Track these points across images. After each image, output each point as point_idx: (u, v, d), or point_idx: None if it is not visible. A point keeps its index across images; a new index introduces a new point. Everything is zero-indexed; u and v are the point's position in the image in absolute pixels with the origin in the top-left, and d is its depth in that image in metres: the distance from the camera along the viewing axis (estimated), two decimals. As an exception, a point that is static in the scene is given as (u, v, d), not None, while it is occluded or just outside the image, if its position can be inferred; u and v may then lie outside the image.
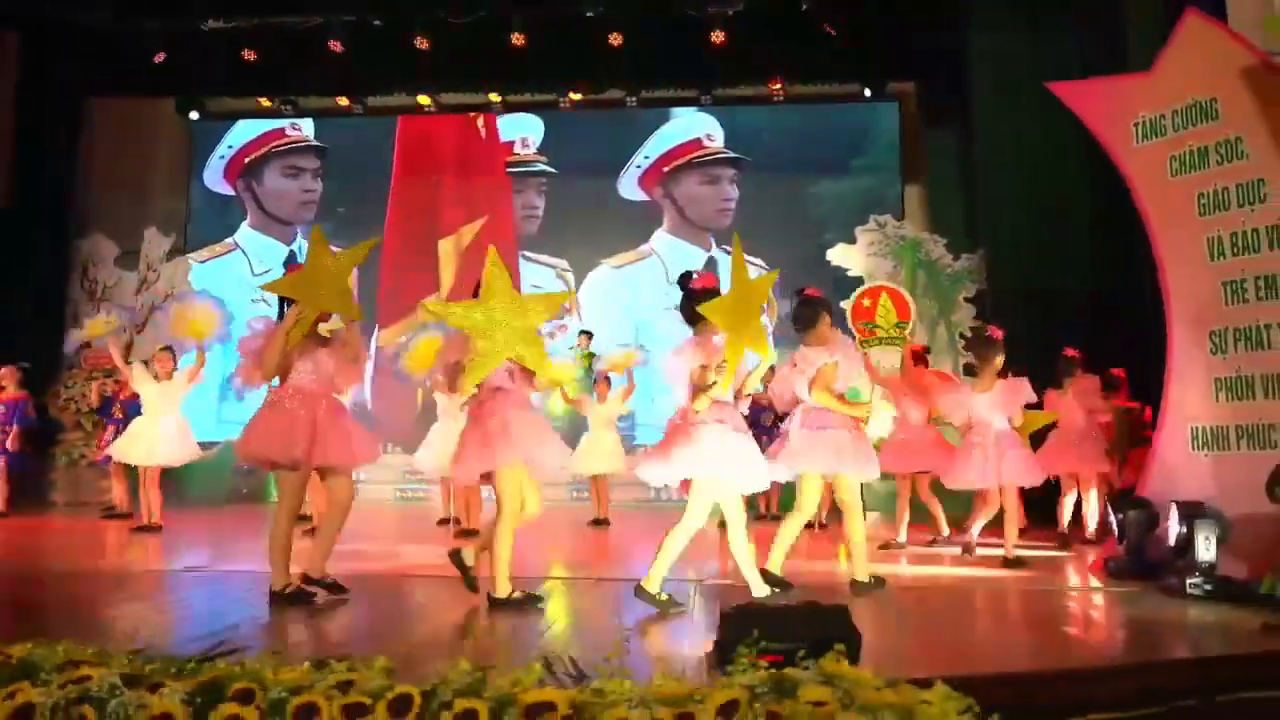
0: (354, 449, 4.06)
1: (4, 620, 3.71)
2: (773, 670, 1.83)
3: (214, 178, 12.69)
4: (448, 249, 12.33)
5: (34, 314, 10.61)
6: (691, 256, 11.93)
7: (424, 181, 12.34)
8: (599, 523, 7.84)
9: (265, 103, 12.20)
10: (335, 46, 10.40)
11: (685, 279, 4.08)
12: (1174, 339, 4.67)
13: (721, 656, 2.38)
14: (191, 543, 6.65)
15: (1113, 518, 4.68)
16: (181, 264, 11.79)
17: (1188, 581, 3.94)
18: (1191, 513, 4.05)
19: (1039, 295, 8.49)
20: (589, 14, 10.02)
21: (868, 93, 11.33)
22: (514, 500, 3.85)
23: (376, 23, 10.39)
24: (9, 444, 7.89)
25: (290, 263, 12.03)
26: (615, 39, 10.03)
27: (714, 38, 10.06)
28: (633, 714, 1.80)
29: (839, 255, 11.16)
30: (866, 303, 9.69)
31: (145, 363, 7.41)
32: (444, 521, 7.53)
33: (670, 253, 12.10)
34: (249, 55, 10.68)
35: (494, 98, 11.83)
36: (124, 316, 9.76)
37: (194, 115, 12.29)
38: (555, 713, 1.79)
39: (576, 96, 11.69)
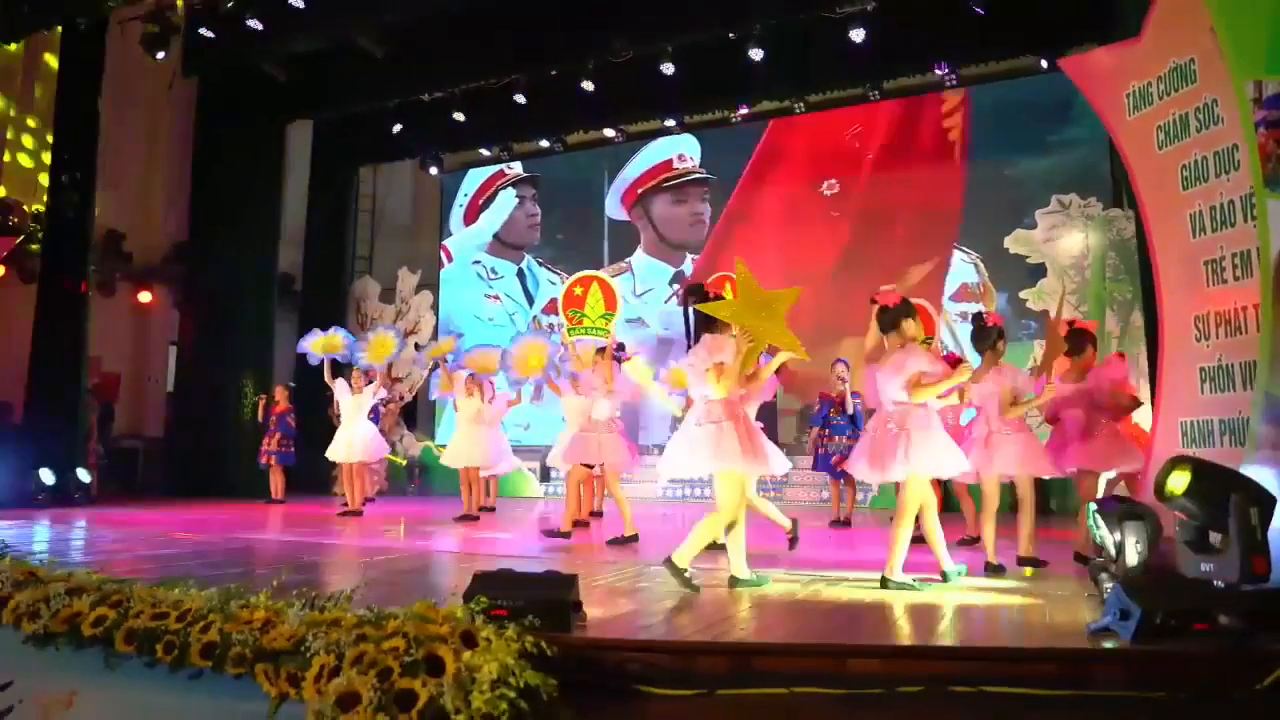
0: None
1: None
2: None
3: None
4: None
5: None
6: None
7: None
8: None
9: (485, 153, 14.20)
10: (519, 99, 11.92)
11: (694, 291, 4.60)
12: (1165, 327, 4.29)
13: (465, 602, 3.02)
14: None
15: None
16: (426, 296, 14.11)
17: (1101, 583, 3.69)
18: (1127, 513, 3.77)
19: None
20: (731, 35, 10.49)
21: (1044, 64, 10.49)
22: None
23: (553, 73, 11.71)
24: (277, 445, 10.25)
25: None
26: (755, 54, 10.38)
27: (853, 35, 10.02)
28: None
29: (1017, 242, 10.51)
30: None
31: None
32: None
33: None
34: (458, 117, 12.55)
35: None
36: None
37: (434, 170, 14.59)
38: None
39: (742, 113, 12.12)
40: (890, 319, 4.35)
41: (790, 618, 3.62)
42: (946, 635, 3.27)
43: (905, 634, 3.34)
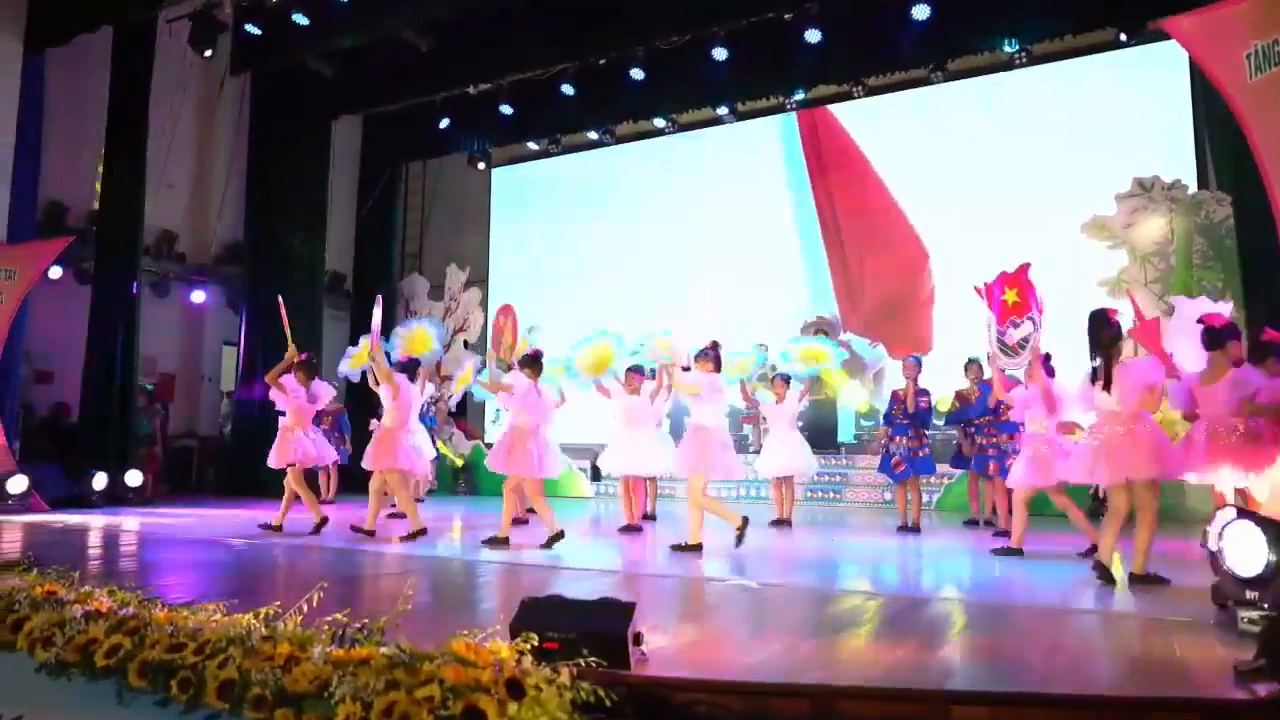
0: None
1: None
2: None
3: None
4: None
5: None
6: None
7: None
8: (780, 523, 7.93)
9: (533, 146, 13.95)
10: (567, 90, 11.63)
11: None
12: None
13: (511, 635, 2.70)
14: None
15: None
16: (475, 293, 13.93)
17: (1242, 615, 3.22)
18: None
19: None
20: (787, 16, 10.05)
21: (1123, 37, 9.84)
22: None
23: (602, 62, 11.39)
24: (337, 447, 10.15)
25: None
26: (811, 36, 9.91)
27: (916, 13, 9.50)
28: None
29: (1094, 228, 9.87)
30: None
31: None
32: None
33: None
34: (506, 110, 12.32)
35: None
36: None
37: (481, 165, 14.40)
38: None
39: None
40: (1218, 337, 4.68)
41: (879, 651, 3.24)
42: (1065, 678, 2.85)
43: (1015, 676, 2.93)
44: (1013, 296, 5.74)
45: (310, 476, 10.07)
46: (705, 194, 13.00)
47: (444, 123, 12.87)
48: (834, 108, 12.10)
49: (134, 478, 9.80)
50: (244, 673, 2.27)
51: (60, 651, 2.64)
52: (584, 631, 2.56)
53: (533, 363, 6.52)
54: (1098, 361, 4.81)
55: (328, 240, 12.73)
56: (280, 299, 7.94)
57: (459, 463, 12.31)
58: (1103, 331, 4.82)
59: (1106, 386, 4.72)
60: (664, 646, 2.88)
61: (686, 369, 6.41)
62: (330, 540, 6.63)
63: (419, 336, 8.11)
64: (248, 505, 9.45)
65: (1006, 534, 6.17)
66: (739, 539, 5.84)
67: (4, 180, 9.17)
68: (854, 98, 11.65)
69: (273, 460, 7.36)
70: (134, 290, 10.62)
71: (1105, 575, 4.61)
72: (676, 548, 5.96)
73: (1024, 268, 5.66)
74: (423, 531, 6.72)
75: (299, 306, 12.10)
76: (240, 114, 12.82)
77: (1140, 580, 4.58)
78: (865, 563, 5.86)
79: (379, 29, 10.55)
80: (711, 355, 6.20)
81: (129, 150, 10.65)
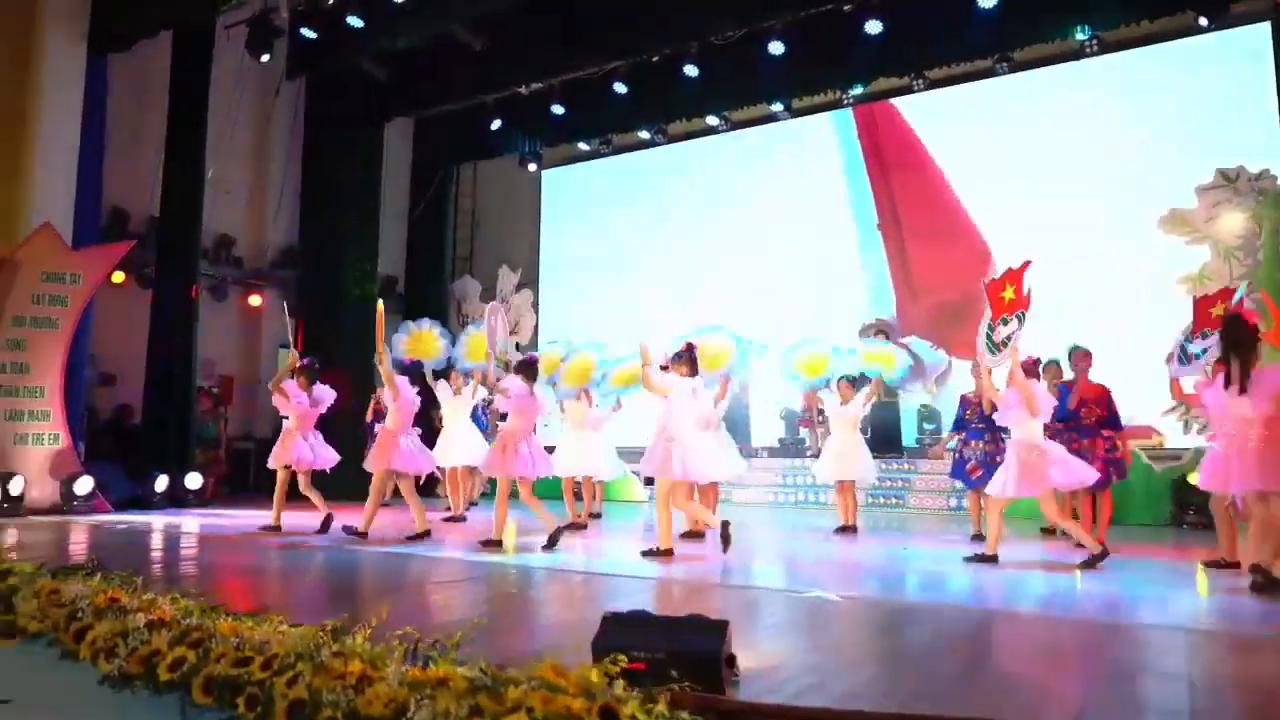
0: None
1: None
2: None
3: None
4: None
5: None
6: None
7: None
8: (845, 529, 7.66)
9: (584, 147, 13.84)
10: (620, 89, 11.47)
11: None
12: None
13: (595, 655, 2.52)
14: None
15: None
16: (527, 295, 13.86)
17: None
18: None
19: None
20: (846, 7, 9.77)
21: (1203, 21, 9.36)
22: None
23: (655, 59, 11.21)
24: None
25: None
26: (871, 27, 9.61)
27: (981, 0, 9.16)
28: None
29: (1172, 222, 9.42)
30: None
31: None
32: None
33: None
34: (557, 109, 12.21)
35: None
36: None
37: (532, 166, 14.32)
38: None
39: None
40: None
41: (994, 677, 2.99)
42: None
43: (1172, 709, 2.66)
44: (1010, 293, 5.61)
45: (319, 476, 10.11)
46: (759, 193, 12.74)
47: (495, 124, 12.80)
48: (894, 102, 11.77)
49: (193, 480, 9.88)
50: (314, 692, 2.13)
51: (123, 664, 2.53)
52: (673, 651, 2.37)
53: (528, 367, 6.60)
54: (1230, 365, 4.57)
55: (380, 243, 12.77)
56: (285, 306, 8.12)
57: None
58: (1240, 334, 4.61)
59: (1242, 390, 4.49)
60: (753, 668, 2.68)
61: (665, 368, 6.20)
62: (381, 545, 6.55)
63: (424, 339, 8.04)
64: (301, 508, 9.45)
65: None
66: (724, 543, 5.61)
67: (69, 187, 9.31)
68: (914, 91, 11.33)
69: (271, 461, 7.50)
70: (193, 294, 10.73)
71: (1270, 585, 4.31)
72: (646, 553, 5.84)
73: (1025, 264, 5.54)
74: (427, 534, 6.79)
75: (353, 310, 12.25)
76: (295, 118, 12.93)
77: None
78: (946, 573, 5.57)
79: (433, 27, 10.52)
80: (686, 358, 6.04)
81: (188, 156, 10.77)
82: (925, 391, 10.98)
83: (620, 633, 2.40)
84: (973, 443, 6.98)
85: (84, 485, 8.76)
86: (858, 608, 4.23)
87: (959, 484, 8.58)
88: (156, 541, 7.01)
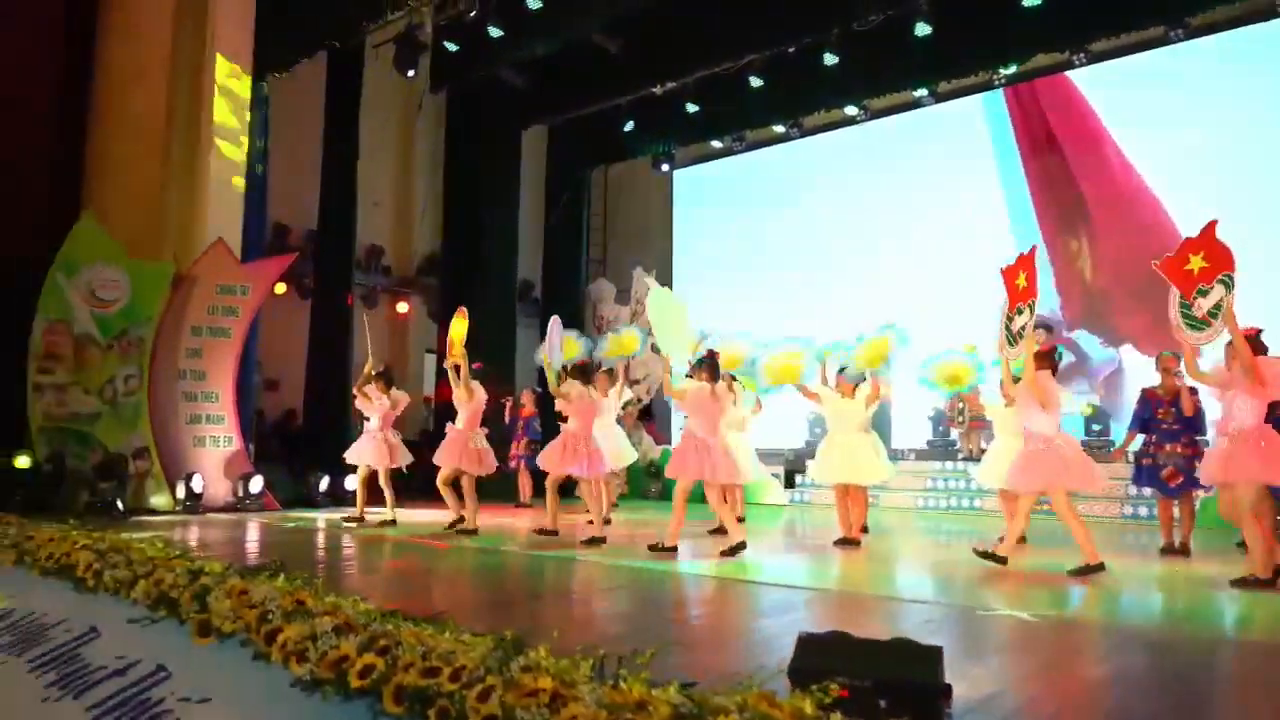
0: None
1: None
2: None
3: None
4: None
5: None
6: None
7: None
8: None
9: (717, 144, 13.67)
10: (755, 82, 11.24)
11: None
12: None
13: (794, 681, 2.35)
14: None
15: None
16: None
17: None
18: None
19: None
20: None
21: None
22: None
23: (791, 50, 10.92)
24: (525, 449, 10.27)
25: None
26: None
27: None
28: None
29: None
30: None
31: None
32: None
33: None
34: (691, 108, 12.10)
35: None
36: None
37: (665, 167, 14.27)
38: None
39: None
40: None
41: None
42: None
43: None
44: (1023, 281, 5.36)
45: (513, 477, 10.32)
46: (899, 183, 12.21)
47: (628, 125, 12.82)
48: (1069, 75, 10.91)
49: (351, 481, 10.31)
50: (507, 708, 2.05)
51: (314, 668, 2.55)
52: (881, 680, 2.17)
53: (583, 371, 6.97)
54: None
55: (518, 248, 13.03)
56: (360, 313, 8.41)
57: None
58: None
59: None
60: (962, 696, 2.43)
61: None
62: (522, 546, 6.61)
63: (626, 340, 8.11)
64: (438, 506, 9.72)
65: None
66: (726, 555, 5.85)
67: (238, 206, 9.93)
68: (1074, 66, 10.56)
69: (352, 458, 8.05)
70: (348, 302, 11.25)
71: None
72: (653, 548, 6.05)
73: (1033, 249, 5.44)
74: (474, 531, 7.26)
75: (492, 314, 12.54)
76: (437, 129, 13.38)
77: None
78: (1155, 592, 5.07)
79: (570, 32, 10.62)
80: (707, 365, 6.23)
81: (341, 171, 11.33)
82: (1092, 391, 10.24)
83: (819, 656, 2.22)
84: (1167, 446, 6.35)
85: (255, 484, 9.30)
86: (1060, 630, 3.86)
87: (1135, 490, 7.93)
88: (322, 540, 7.34)
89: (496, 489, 10.83)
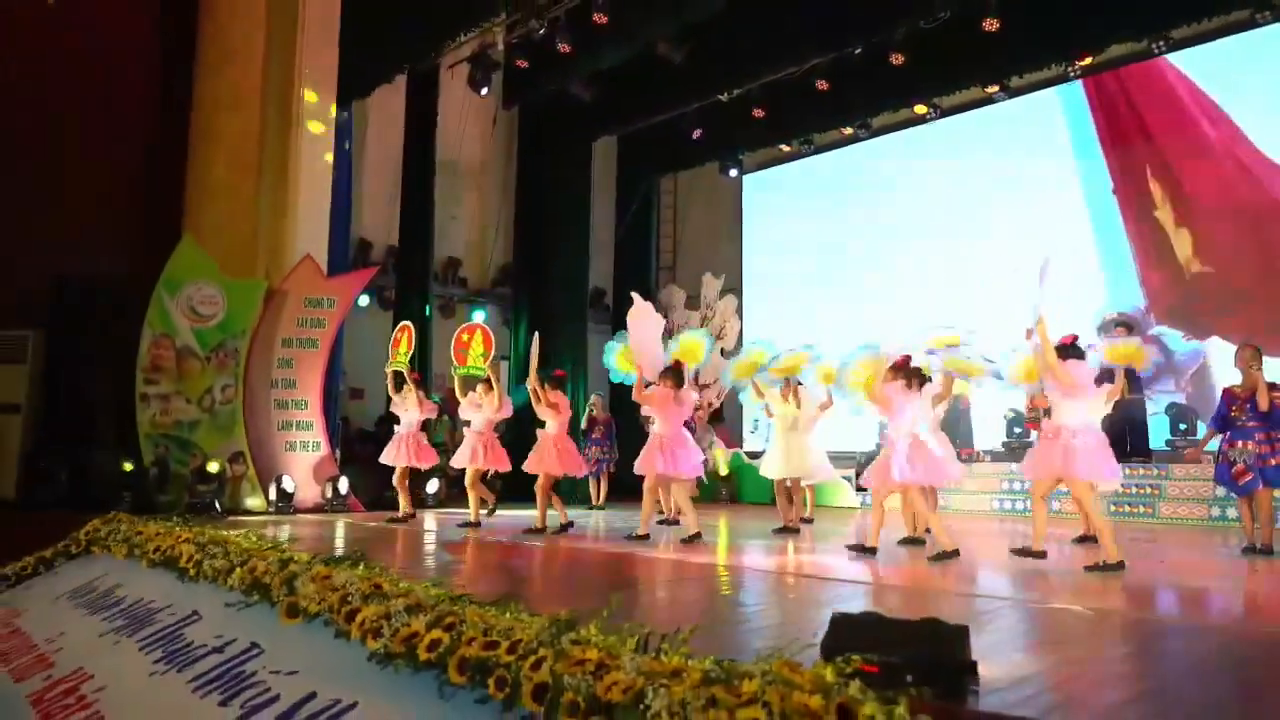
0: None
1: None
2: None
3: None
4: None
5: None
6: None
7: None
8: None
9: (784, 149, 13.71)
10: (822, 85, 11.26)
11: None
12: None
13: (826, 658, 2.46)
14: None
15: None
16: (730, 301, 13.91)
17: None
18: None
19: None
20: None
21: None
22: None
23: (858, 51, 10.90)
24: (598, 454, 10.52)
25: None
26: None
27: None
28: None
29: None
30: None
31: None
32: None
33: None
34: (758, 113, 12.19)
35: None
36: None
37: (733, 172, 14.37)
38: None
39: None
40: None
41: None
42: None
43: None
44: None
45: (585, 482, 10.55)
46: (973, 181, 12.02)
47: (696, 133, 12.98)
48: (1168, 58, 10.54)
49: (431, 485, 10.74)
50: (557, 676, 2.24)
51: (388, 643, 2.79)
52: (909, 656, 2.27)
53: (675, 373, 7.01)
54: None
55: (590, 256, 13.32)
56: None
57: (724, 470, 12.29)
58: None
59: None
60: (992, 678, 2.50)
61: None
62: (592, 542, 6.81)
63: (692, 344, 8.20)
64: (517, 506, 10.02)
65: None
66: (689, 538, 6.51)
67: (324, 222, 10.47)
68: (1154, 54, 10.24)
69: (389, 459, 8.50)
70: (426, 313, 11.71)
71: None
72: (629, 538, 6.69)
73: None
74: (567, 527, 7.70)
75: (565, 322, 12.86)
76: (510, 144, 13.80)
77: None
78: (1211, 590, 4.96)
79: (637, 42, 10.84)
80: (672, 373, 6.87)
81: (420, 188, 11.83)
82: (1177, 389, 9.90)
83: (851, 634, 2.34)
84: (1240, 443, 6.14)
85: (342, 486, 9.78)
86: (1111, 622, 3.85)
87: (1220, 491, 7.67)
88: (400, 537, 7.69)
89: (572, 492, 11.12)
